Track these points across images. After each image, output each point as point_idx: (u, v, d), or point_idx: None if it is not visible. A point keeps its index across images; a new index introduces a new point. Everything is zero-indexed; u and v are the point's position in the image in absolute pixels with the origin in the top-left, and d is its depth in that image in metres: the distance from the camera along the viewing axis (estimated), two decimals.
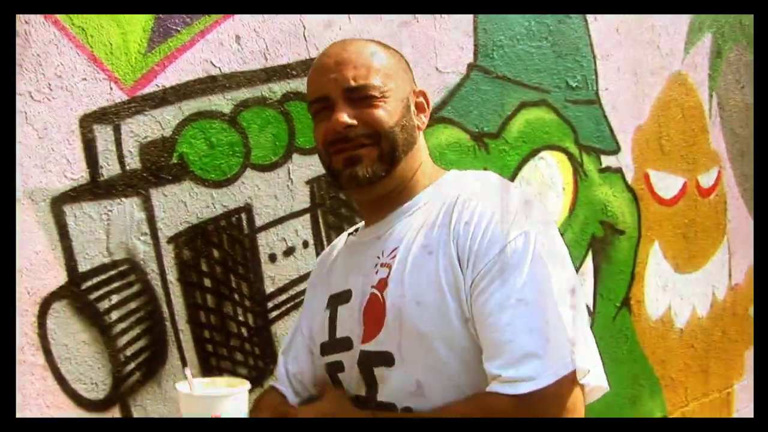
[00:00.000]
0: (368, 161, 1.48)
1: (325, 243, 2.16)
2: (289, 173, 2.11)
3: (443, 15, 2.38)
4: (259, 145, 2.05)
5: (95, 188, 1.81)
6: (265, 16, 2.03)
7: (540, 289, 1.32)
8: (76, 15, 1.75)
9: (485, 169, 2.50)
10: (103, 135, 1.82)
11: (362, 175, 1.48)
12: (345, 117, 1.46)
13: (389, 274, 1.45)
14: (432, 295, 1.39)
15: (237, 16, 1.98)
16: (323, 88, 1.50)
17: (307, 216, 2.15)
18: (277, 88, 2.07)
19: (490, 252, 1.35)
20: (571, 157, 2.77)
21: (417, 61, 2.32)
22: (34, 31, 1.70)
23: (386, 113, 1.49)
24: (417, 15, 2.32)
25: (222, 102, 1.98)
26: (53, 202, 1.75)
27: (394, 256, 1.47)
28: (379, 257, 1.51)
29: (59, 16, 1.73)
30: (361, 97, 1.47)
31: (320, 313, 1.62)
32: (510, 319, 1.30)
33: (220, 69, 1.97)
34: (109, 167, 1.83)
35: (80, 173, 1.79)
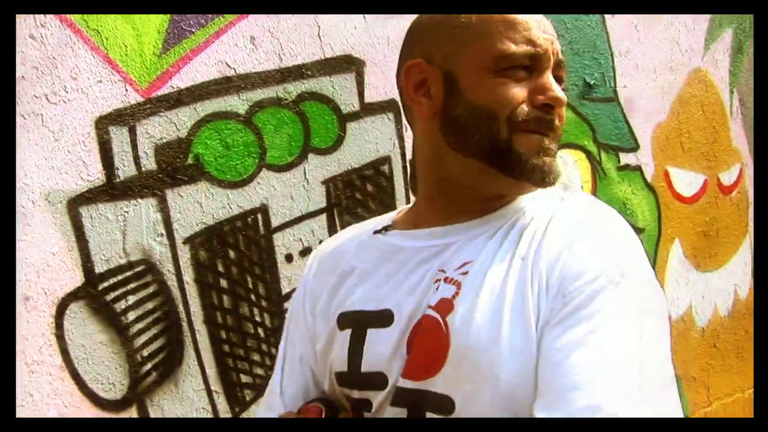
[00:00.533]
0: (555, 157, 1.15)
1: None
2: (305, 173, 2.11)
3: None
4: (274, 146, 2.05)
5: (111, 189, 1.82)
6: (280, 16, 2.04)
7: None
8: (90, 17, 1.76)
9: None
10: (119, 137, 1.83)
11: (557, 173, 1.14)
12: (561, 92, 1.13)
13: (457, 293, 1.10)
14: (519, 332, 1.04)
15: (251, 17, 1.98)
16: (540, 44, 1.12)
17: (323, 216, 2.15)
18: (292, 89, 2.07)
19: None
20: (589, 155, 2.75)
21: None
22: (49, 34, 1.71)
23: None
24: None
25: (237, 103, 1.98)
26: (70, 204, 1.76)
27: (466, 272, 1.11)
28: (443, 270, 1.14)
29: (74, 19, 1.74)
30: (560, 79, 1.16)
31: (329, 335, 1.24)
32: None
33: (234, 70, 1.98)
34: (125, 168, 1.84)
35: (96, 175, 1.80)
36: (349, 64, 2.18)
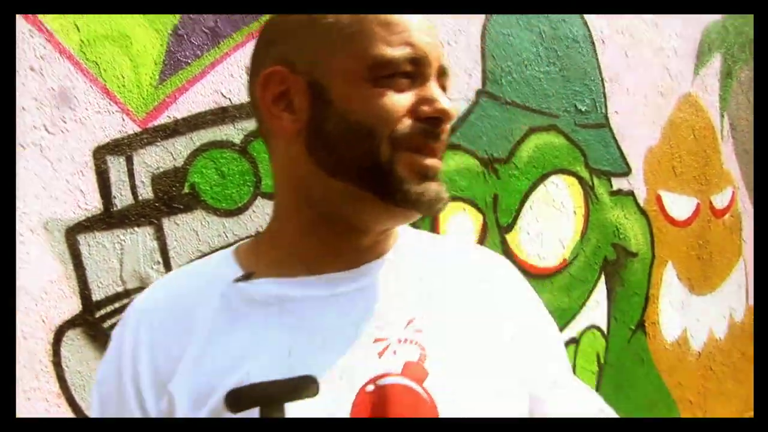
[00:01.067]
0: (440, 177, 1.01)
1: None
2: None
3: (450, 42, 2.41)
4: (269, 174, 2.07)
5: (108, 218, 1.84)
6: None
7: None
8: (88, 49, 1.79)
9: (495, 194, 2.53)
10: (116, 166, 1.85)
11: (444, 199, 1.00)
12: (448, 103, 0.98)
13: (424, 356, 0.97)
14: (511, 383, 1.01)
15: (247, 48, 2.02)
16: (422, 47, 0.98)
17: None
18: None
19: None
20: (581, 180, 2.78)
21: None
22: (48, 66, 1.75)
23: None
24: None
25: (232, 132, 2.01)
26: (68, 232, 1.79)
27: (419, 330, 0.99)
28: (380, 327, 0.98)
29: (73, 51, 1.77)
30: (442, 88, 1.02)
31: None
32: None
33: (230, 100, 2.01)
34: (122, 197, 1.86)
35: (94, 203, 1.82)
36: None
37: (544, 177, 2.65)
